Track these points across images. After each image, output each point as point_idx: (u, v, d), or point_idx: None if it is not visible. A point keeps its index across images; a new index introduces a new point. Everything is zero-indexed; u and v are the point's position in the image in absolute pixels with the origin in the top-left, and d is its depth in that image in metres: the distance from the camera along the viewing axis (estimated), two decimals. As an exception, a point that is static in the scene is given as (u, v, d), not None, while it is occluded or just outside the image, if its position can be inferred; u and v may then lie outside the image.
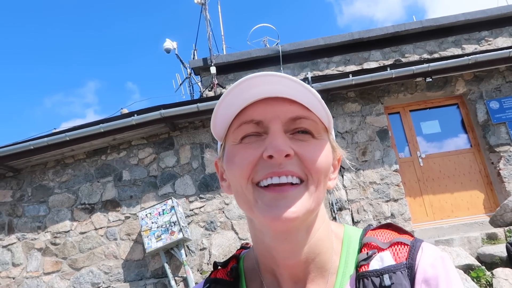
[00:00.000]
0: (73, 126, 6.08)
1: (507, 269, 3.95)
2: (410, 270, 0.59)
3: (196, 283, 4.31)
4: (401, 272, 0.59)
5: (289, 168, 0.58)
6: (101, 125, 5.84)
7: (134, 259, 5.79)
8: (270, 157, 0.57)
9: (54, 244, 5.95)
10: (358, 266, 0.62)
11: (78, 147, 6.16)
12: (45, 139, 5.86)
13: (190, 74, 8.85)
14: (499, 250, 4.31)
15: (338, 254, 0.67)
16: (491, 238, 4.76)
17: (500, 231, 4.77)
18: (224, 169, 0.67)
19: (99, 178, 6.26)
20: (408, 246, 0.62)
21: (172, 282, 5.35)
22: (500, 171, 5.94)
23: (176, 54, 8.69)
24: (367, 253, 0.63)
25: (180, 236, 5.31)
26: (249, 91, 0.59)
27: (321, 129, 0.64)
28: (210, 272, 0.75)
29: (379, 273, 0.59)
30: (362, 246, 0.66)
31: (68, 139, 5.84)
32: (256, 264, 0.70)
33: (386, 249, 0.63)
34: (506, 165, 5.96)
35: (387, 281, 0.58)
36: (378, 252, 0.63)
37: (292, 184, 0.58)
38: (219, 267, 0.75)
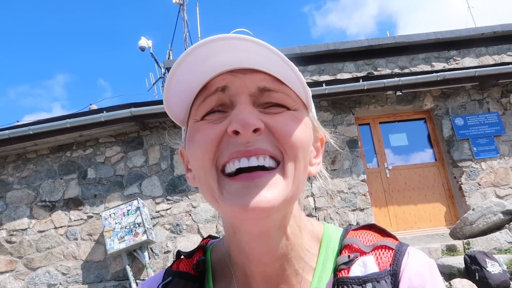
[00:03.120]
0: (38, 120, 5.86)
1: (464, 280, 4.07)
2: (394, 277, 0.53)
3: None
4: (385, 281, 0.53)
5: (259, 146, 0.49)
6: (67, 120, 5.64)
7: (95, 260, 5.60)
8: (236, 133, 0.48)
9: (10, 242, 5.67)
10: (337, 270, 0.56)
11: (42, 142, 5.92)
12: (7, 131, 5.61)
13: (164, 74, 8.74)
14: (458, 261, 4.44)
15: (315, 255, 0.60)
16: (451, 250, 4.90)
17: (459, 243, 4.92)
18: (188, 156, 0.58)
19: (62, 175, 6.03)
20: (393, 251, 0.56)
21: (133, 285, 5.19)
22: (462, 186, 6.15)
23: (151, 52, 8.57)
24: (349, 256, 0.56)
25: (144, 238, 5.17)
26: (212, 59, 0.50)
27: (298, 104, 0.55)
28: (172, 262, 0.68)
29: (362, 281, 0.52)
30: (343, 247, 0.59)
31: (31, 133, 5.61)
32: (227, 256, 0.64)
33: (369, 252, 0.57)
34: (468, 180, 6.18)
35: None
36: (360, 256, 0.56)
37: (265, 168, 0.50)
38: (182, 257, 0.67)
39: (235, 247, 0.60)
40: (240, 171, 0.50)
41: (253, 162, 0.49)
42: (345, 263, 0.55)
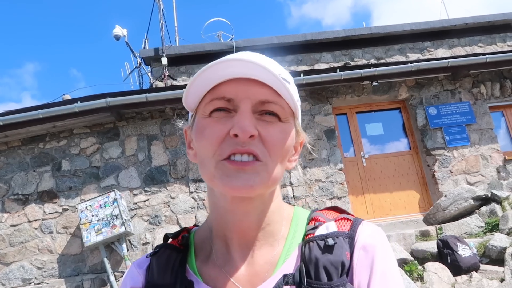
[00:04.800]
0: (8, 110, 5.64)
1: (437, 263, 4.22)
2: (351, 239, 0.66)
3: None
4: (343, 238, 0.65)
5: (251, 148, 0.61)
6: (40, 110, 5.47)
7: (71, 253, 5.50)
8: (236, 135, 0.61)
9: (-19, 236, 5.49)
10: (305, 235, 0.68)
11: (13, 133, 5.73)
12: (-25, 122, 5.39)
13: (140, 63, 8.57)
14: (431, 246, 4.60)
15: (287, 227, 0.72)
16: (424, 235, 5.07)
17: (432, 229, 5.09)
18: (193, 138, 0.70)
19: (35, 167, 5.87)
20: (351, 221, 0.69)
21: (112, 278, 5.14)
22: (435, 173, 6.34)
23: (126, 42, 8.37)
24: (314, 223, 0.69)
25: (122, 230, 5.11)
26: (225, 71, 0.62)
27: (288, 114, 0.67)
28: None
29: (324, 236, 0.65)
30: (310, 220, 0.71)
31: (1, 124, 5.42)
32: (209, 231, 0.74)
33: (331, 222, 0.70)
34: (440, 167, 6.37)
35: (330, 241, 0.64)
36: (324, 223, 0.69)
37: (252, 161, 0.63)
38: (170, 239, 0.77)
39: (217, 219, 0.71)
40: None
41: (245, 158, 0.62)
42: (312, 229, 0.68)
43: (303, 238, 0.68)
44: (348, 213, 0.73)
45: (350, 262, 0.63)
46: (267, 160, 0.63)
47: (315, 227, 0.68)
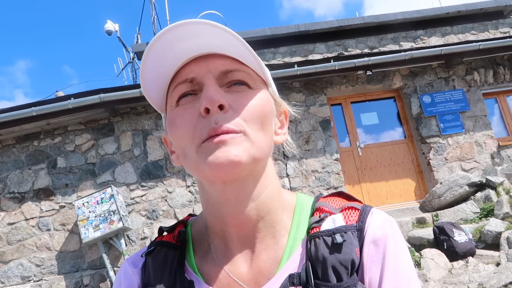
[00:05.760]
0: (1, 109, 5.59)
1: (433, 250, 4.26)
2: (360, 232, 0.61)
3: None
4: (352, 233, 0.60)
5: (226, 125, 0.56)
6: (33, 108, 5.43)
7: (70, 250, 5.50)
8: (206, 111, 0.56)
9: (-22, 236, 5.48)
10: (310, 228, 0.63)
11: (7, 132, 5.69)
12: (-32, 121, 5.35)
13: (133, 58, 8.52)
14: (427, 233, 4.65)
15: (290, 218, 0.67)
16: (420, 222, 5.12)
17: (428, 216, 5.14)
18: (170, 138, 0.65)
19: (30, 165, 5.84)
20: (359, 210, 0.64)
21: (111, 273, 5.15)
22: (430, 161, 6.39)
23: (118, 36, 8.31)
24: (319, 216, 0.63)
25: (120, 225, 5.11)
26: (178, 46, 0.57)
27: (258, 81, 0.63)
28: (155, 237, 0.72)
29: (331, 232, 0.59)
30: (315, 210, 0.66)
31: (-6, 122, 5.38)
32: (204, 227, 0.69)
33: (338, 213, 0.64)
34: (435, 155, 6.41)
35: (339, 239, 0.58)
36: (330, 215, 0.63)
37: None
38: (165, 232, 0.72)
39: (212, 214, 0.65)
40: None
41: (224, 137, 0.56)
42: (317, 222, 0.62)
43: (308, 232, 0.63)
44: (355, 200, 0.68)
45: (360, 258, 0.59)
46: (246, 128, 0.58)
47: (321, 220, 0.62)
